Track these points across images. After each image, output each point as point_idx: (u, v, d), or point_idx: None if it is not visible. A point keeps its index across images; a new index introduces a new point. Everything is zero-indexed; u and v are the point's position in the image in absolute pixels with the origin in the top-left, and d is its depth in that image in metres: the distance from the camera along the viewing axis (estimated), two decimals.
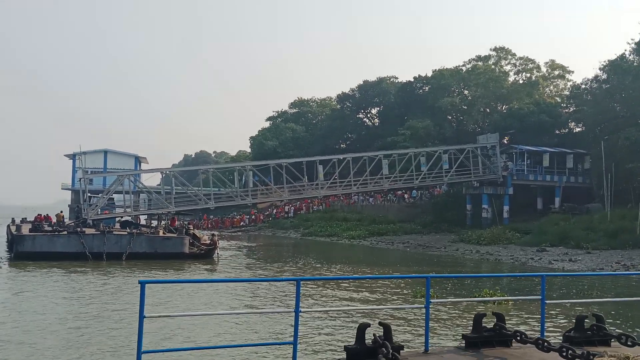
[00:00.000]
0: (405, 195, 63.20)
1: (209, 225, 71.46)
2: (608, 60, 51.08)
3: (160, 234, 36.03)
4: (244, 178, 51.27)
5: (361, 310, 17.32)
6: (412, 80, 78.34)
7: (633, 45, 49.75)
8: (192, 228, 42.43)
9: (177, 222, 43.46)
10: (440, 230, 52.11)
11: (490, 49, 72.21)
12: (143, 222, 48.28)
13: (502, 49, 71.69)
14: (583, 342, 7.73)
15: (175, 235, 36.38)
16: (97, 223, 38.44)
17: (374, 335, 7.02)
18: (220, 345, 12.95)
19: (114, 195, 47.91)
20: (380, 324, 7.21)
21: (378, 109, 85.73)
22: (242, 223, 73.67)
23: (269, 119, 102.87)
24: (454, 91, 71.36)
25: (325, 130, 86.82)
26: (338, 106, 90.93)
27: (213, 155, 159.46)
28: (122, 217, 44.38)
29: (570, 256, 34.38)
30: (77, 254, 31.97)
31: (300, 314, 7.04)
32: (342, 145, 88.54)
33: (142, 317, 6.14)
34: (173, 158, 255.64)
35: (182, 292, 21.08)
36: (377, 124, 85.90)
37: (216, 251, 36.21)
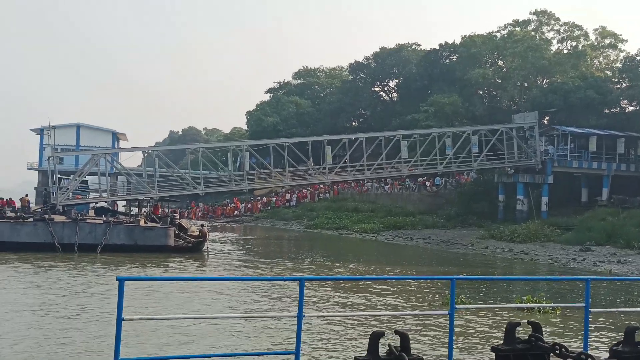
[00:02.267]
0: (427, 183, 63.18)
1: (198, 214, 71.73)
2: None
3: (141, 223, 36.17)
4: (239, 160, 51.28)
5: (375, 317, 17.38)
6: (438, 48, 78.10)
7: None
8: (178, 217, 42.54)
9: (160, 209, 43.58)
10: (467, 224, 52.16)
11: (530, 12, 72.00)
12: (121, 209, 48.42)
13: (544, 12, 71.31)
14: (633, 358, 7.74)
15: (158, 225, 36.51)
16: (68, 209, 38.56)
17: (389, 345, 7.05)
18: (211, 354, 13.02)
19: (88, 177, 48.00)
20: (396, 332, 7.24)
21: (397, 81, 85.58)
22: (236, 212, 73.95)
23: (269, 90, 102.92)
24: (487, 62, 71.06)
25: (334, 105, 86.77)
26: (350, 77, 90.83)
27: (203, 132, 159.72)
28: (97, 202, 44.52)
29: (619, 257, 34.38)
30: (45, 244, 32.16)
31: (303, 319, 7.07)
32: (354, 123, 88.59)
33: (120, 319, 6.17)
34: (157, 135, 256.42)
35: (167, 291, 21.19)
36: (396, 98, 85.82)
37: (206, 244, 36.35)
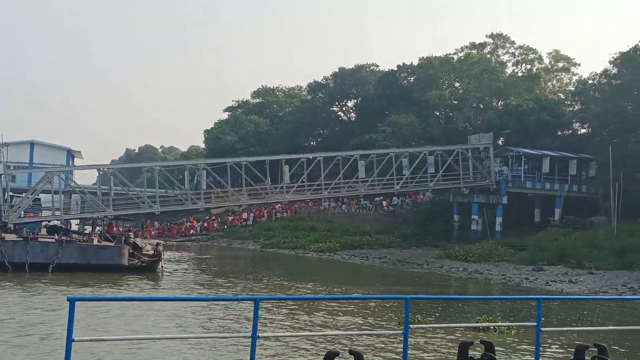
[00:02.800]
0: (384, 203, 63.55)
1: (153, 233, 70.91)
2: (619, 52, 52.08)
3: (95, 242, 35.61)
4: (196, 178, 51.01)
5: (329, 337, 17.36)
6: (396, 69, 78.87)
7: None
8: (132, 236, 42.01)
9: (115, 228, 43.04)
10: (422, 243, 52.48)
11: (487, 35, 73.01)
12: (75, 227, 47.67)
13: (499, 35, 72.50)
14: None
15: (112, 244, 36.00)
16: (19, 228, 37.84)
17: None
18: None
19: (41, 195, 47.22)
20: (350, 352, 7.26)
21: (355, 101, 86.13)
22: (192, 231, 73.28)
23: (227, 109, 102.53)
24: (444, 83, 71.95)
25: (293, 124, 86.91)
26: (309, 97, 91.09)
27: (160, 150, 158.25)
28: (49, 221, 43.77)
29: (570, 277, 34.93)
30: None
31: (258, 339, 7.04)
32: (312, 143, 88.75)
33: (70, 340, 6.09)
34: (113, 153, 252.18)
35: (119, 311, 20.88)
36: (354, 118, 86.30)
37: (160, 263, 35.99)
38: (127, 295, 26.96)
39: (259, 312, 7.24)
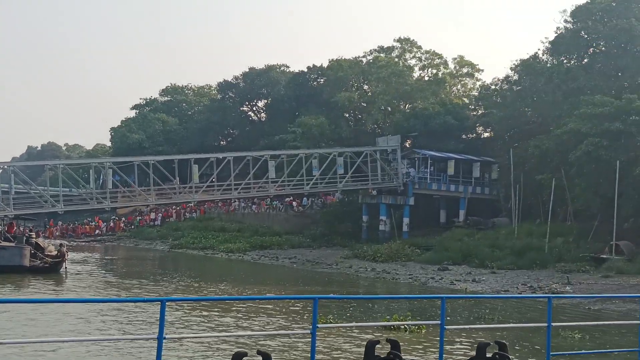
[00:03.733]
0: (294, 203, 63.71)
1: (57, 234, 68.79)
2: (520, 60, 54.02)
3: None
4: (101, 177, 49.72)
5: (238, 337, 17.27)
6: (306, 70, 79.23)
7: (547, 44, 52.86)
8: (34, 236, 40.65)
9: (16, 228, 41.57)
10: (332, 244, 52.82)
11: (394, 40, 74.23)
12: None
13: (407, 40, 73.83)
14: None
15: (13, 244, 34.78)
16: None
17: None
18: None
19: None
20: (258, 352, 7.24)
21: (265, 101, 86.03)
22: (97, 231, 71.50)
23: (134, 107, 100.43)
24: (353, 85, 72.81)
25: (202, 123, 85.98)
26: (219, 96, 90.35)
27: (64, 148, 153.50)
28: None
29: (474, 276, 35.93)
30: None
31: (164, 340, 6.93)
32: (222, 143, 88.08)
33: None
34: (13, 150, 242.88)
35: (20, 314, 20.13)
36: (264, 119, 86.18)
37: (64, 264, 35.01)
38: (28, 297, 26.03)
39: (166, 313, 7.12)
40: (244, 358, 7.05)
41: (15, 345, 15.20)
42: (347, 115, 72.48)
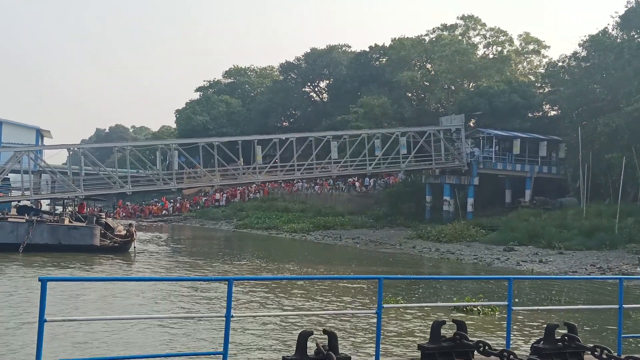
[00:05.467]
0: (357, 184, 63.69)
1: (125, 214, 70.47)
2: (589, 35, 52.49)
3: (66, 222, 35.32)
4: (167, 158, 50.65)
5: (303, 316, 17.41)
6: (368, 50, 78.79)
7: (617, 18, 51.22)
8: (104, 216, 41.71)
9: (86, 208, 42.70)
10: (395, 224, 52.74)
11: (458, 17, 73.15)
12: (45, 207, 47.16)
13: (470, 17, 72.62)
14: (553, 355, 7.97)
15: (83, 224, 35.77)
16: None
17: (317, 344, 7.07)
18: (137, 355, 12.79)
19: (10, 175, 46.55)
20: (324, 331, 7.26)
21: (327, 82, 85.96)
22: (164, 212, 72.96)
23: (198, 89, 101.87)
24: (415, 64, 72.01)
25: (265, 105, 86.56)
26: (281, 77, 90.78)
27: (131, 130, 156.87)
28: (19, 201, 43.23)
29: (540, 257, 35.37)
30: None
31: (232, 319, 7.02)
32: (284, 124, 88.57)
33: (42, 320, 6.02)
34: (83, 133, 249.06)
35: (92, 292, 20.73)
36: (326, 99, 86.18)
37: (133, 244, 35.81)
38: (100, 275, 26.79)
39: (233, 292, 7.21)
40: (309, 337, 7.08)
41: (88, 323, 15.67)
42: (410, 94, 71.81)
